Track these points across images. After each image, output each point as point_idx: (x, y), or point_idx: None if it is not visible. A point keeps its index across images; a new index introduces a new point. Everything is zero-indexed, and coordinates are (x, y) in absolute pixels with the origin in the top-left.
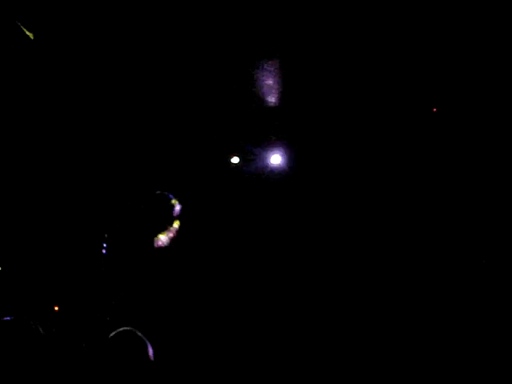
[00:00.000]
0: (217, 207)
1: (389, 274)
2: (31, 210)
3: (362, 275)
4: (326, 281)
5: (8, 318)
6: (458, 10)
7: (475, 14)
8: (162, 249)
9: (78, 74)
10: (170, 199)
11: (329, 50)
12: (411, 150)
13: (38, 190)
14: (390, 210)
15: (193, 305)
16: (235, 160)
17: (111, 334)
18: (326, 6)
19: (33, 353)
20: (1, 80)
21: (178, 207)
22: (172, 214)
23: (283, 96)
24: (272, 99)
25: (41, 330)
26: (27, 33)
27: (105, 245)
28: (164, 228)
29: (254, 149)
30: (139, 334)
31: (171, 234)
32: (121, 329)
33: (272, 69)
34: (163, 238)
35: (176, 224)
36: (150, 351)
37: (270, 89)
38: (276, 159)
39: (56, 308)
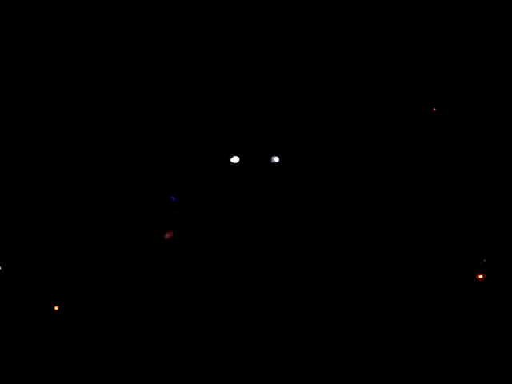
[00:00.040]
0: (217, 207)
1: (389, 274)
2: (31, 210)
3: (362, 278)
4: (326, 281)
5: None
6: (458, 10)
7: (475, 14)
8: (161, 249)
9: (78, 74)
10: (170, 199)
11: (329, 50)
12: (411, 150)
13: (38, 189)
14: (390, 209)
15: (193, 305)
16: (235, 160)
17: None
18: (325, 5)
19: (33, 353)
20: (1, 80)
21: (177, 207)
22: (172, 213)
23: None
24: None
25: None
26: None
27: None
28: (164, 228)
29: (253, 149)
30: None
31: (171, 234)
32: None
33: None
34: (163, 238)
35: (175, 224)
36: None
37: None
38: (276, 159)
39: (56, 308)
